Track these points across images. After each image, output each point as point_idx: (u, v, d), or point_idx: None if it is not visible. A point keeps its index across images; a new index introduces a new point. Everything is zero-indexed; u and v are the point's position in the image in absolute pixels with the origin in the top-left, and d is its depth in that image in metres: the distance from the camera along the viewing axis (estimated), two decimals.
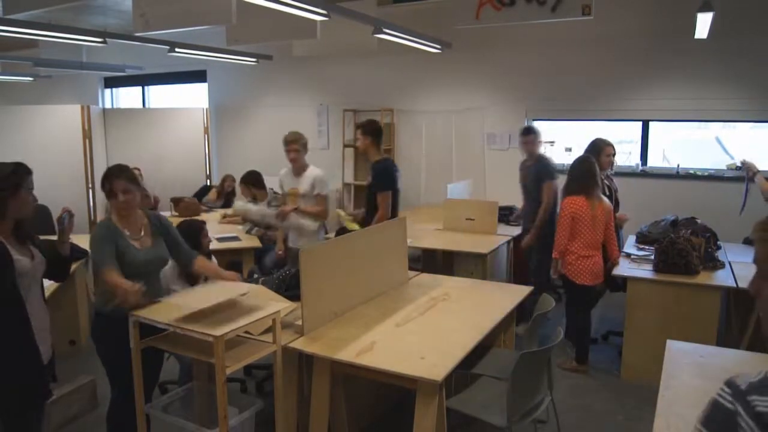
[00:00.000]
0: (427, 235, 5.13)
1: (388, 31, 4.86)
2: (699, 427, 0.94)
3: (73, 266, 3.93)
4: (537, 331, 3.16)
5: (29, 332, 2.27)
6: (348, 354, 2.53)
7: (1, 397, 2.23)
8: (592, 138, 4.66)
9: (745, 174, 4.38)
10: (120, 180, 2.67)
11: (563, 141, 6.44)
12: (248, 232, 5.20)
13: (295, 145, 4.22)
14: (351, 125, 7.58)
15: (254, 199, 5.60)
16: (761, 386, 0.89)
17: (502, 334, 3.35)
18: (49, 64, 7.79)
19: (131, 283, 2.46)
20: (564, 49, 6.14)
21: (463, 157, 6.97)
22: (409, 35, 5.26)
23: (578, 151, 4.97)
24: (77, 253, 4.02)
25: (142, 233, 2.75)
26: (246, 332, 2.60)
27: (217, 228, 5.37)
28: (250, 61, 7.08)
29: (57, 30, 4.99)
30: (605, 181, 4.51)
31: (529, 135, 4.97)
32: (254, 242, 5.00)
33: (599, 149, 4.50)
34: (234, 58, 6.83)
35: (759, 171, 4.26)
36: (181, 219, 4.21)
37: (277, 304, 2.69)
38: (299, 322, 2.77)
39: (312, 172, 4.28)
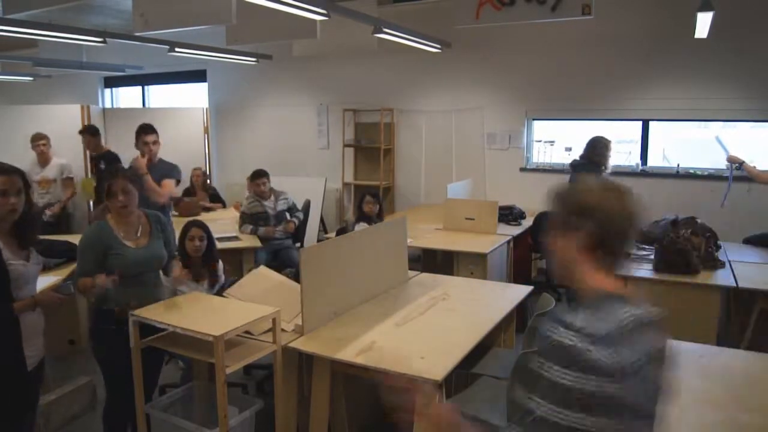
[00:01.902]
0: (427, 234, 5.12)
1: (388, 30, 4.86)
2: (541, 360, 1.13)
3: (72, 266, 3.94)
4: (537, 331, 3.15)
5: (15, 336, 2.22)
6: (348, 354, 2.53)
7: None
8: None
9: (729, 166, 4.39)
10: (119, 180, 2.66)
11: (563, 141, 6.44)
12: (252, 232, 5.17)
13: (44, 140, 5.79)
14: (351, 125, 7.59)
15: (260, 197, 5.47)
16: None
17: (502, 334, 3.35)
18: (49, 64, 7.78)
19: (100, 276, 2.50)
20: (564, 49, 6.13)
21: (463, 157, 6.96)
22: (409, 35, 5.26)
23: (578, 151, 4.95)
24: (75, 253, 4.03)
25: (139, 233, 2.75)
26: (246, 332, 2.60)
27: (218, 228, 5.35)
28: (250, 61, 7.08)
29: (57, 30, 4.98)
30: None
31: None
32: (254, 242, 4.99)
33: (604, 145, 4.45)
34: (234, 57, 6.84)
35: (743, 161, 4.27)
36: (182, 219, 4.20)
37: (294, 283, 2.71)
38: (299, 322, 2.77)
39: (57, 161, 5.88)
